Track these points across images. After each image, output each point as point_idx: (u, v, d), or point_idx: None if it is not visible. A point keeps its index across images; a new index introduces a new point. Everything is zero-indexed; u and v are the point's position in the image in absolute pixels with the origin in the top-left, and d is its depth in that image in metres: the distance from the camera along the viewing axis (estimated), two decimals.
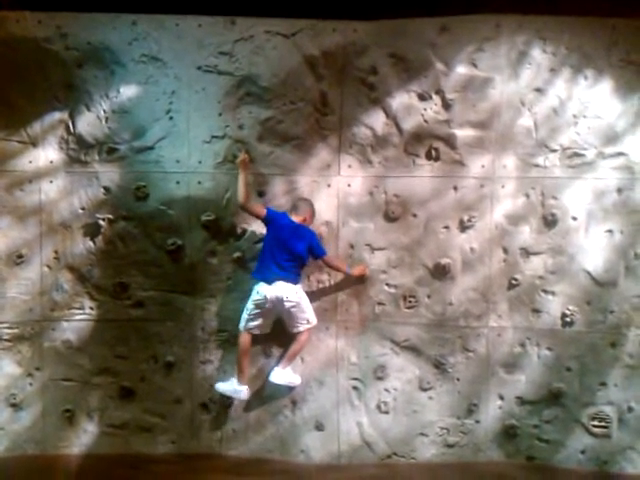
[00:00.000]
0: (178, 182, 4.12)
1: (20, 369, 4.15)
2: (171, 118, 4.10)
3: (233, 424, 4.22)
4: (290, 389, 4.14)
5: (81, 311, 4.19)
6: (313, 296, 4.17)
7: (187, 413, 4.21)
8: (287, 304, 3.89)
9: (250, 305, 3.94)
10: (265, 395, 4.20)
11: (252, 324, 3.97)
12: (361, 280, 4.18)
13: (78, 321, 4.19)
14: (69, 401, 4.17)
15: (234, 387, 4.04)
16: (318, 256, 4.00)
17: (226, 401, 4.17)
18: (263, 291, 3.88)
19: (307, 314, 4.01)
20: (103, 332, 4.18)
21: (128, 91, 4.11)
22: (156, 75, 4.09)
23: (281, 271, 3.87)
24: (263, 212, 3.92)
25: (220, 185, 4.14)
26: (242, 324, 3.99)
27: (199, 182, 4.13)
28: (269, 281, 3.88)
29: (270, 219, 3.93)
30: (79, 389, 4.17)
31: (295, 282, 3.94)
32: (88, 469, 3.99)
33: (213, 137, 4.12)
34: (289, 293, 3.89)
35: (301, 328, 4.00)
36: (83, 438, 4.19)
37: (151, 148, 4.10)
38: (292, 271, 3.92)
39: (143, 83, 4.09)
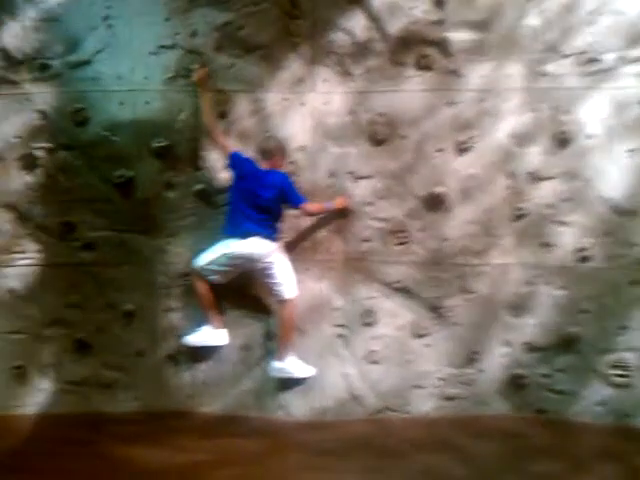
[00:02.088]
0: (122, 103, 4.13)
1: None
2: (110, 26, 4.08)
3: (204, 378, 4.29)
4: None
5: (24, 255, 4.27)
6: (288, 233, 4.24)
7: (152, 367, 4.32)
8: (260, 264, 3.99)
9: (219, 256, 3.99)
10: (239, 345, 4.28)
11: (214, 273, 4.06)
12: (343, 214, 4.24)
13: (22, 267, 4.27)
14: (19, 356, 4.27)
15: (210, 334, 4.15)
16: (294, 205, 4.06)
17: (196, 352, 4.26)
18: (235, 246, 3.96)
19: (284, 280, 4.06)
20: (52, 278, 4.28)
21: None
22: None
23: (254, 226, 3.94)
24: (229, 148, 4.01)
25: (172, 105, 4.15)
26: (200, 264, 4.06)
27: (147, 102, 4.13)
28: (242, 237, 3.94)
29: (234, 162, 4.01)
30: (29, 343, 4.28)
31: (272, 239, 4.02)
32: (44, 431, 4.04)
33: (160, 47, 4.10)
34: (264, 250, 3.97)
35: (285, 295, 4.06)
36: (37, 397, 4.28)
37: (88, 62, 4.12)
38: (266, 226, 4.00)
39: None
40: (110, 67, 4.08)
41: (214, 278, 4.04)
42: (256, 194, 3.90)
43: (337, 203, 4.12)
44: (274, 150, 4.01)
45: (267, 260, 3.94)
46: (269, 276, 4.01)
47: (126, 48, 4.06)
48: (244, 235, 3.91)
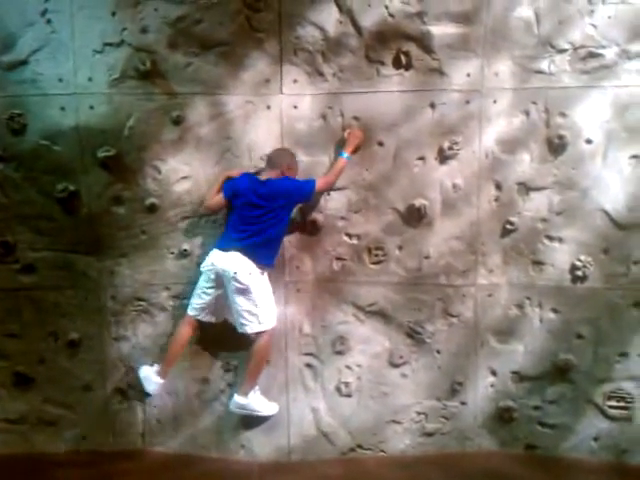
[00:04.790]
0: (63, 108, 3.76)
1: None
2: (49, 21, 3.70)
3: (158, 414, 4.07)
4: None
5: None
6: None
7: (100, 402, 4.06)
8: (234, 283, 3.57)
9: (201, 275, 3.74)
10: (196, 377, 4.02)
11: (197, 303, 3.74)
12: (314, 228, 3.89)
13: None
14: None
15: (150, 376, 3.81)
16: (308, 195, 3.70)
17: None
18: (212, 257, 3.64)
19: (258, 310, 3.64)
20: None
21: None
22: None
23: (239, 241, 3.62)
24: (221, 200, 3.75)
25: (120, 110, 3.78)
26: (190, 304, 3.81)
27: (91, 107, 3.78)
28: (224, 248, 3.63)
29: (227, 191, 3.73)
30: None
31: (257, 260, 3.62)
32: None
33: (106, 45, 3.74)
34: (240, 269, 3.56)
35: (248, 329, 3.68)
36: None
37: (25, 63, 3.74)
38: (254, 243, 3.61)
39: None
40: (50, 68, 3.71)
41: (200, 312, 3.74)
42: (252, 205, 3.59)
43: (349, 144, 3.72)
44: (283, 159, 3.70)
45: (243, 281, 3.55)
46: (243, 301, 3.61)
47: (67, 46, 3.69)
48: (226, 248, 3.60)
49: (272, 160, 3.71)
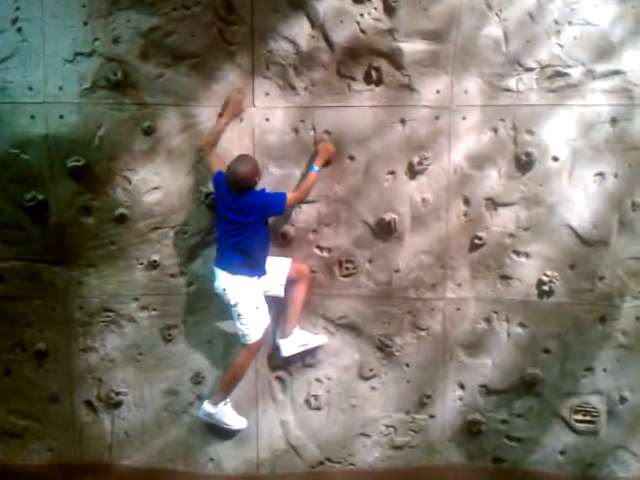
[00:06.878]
0: (33, 116, 3.71)
1: None
2: (19, 29, 3.65)
3: (125, 426, 4.02)
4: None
5: None
6: None
7: (67, 413, 4.01)
8: (228, 298, 3.57)
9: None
10: (164, 389, 3.99)
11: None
12: (286, 239, 3.86)
13: None
14: None
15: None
16: (279, 210, 3.62)
17: (115, 398, 3.97)
18: (216, 278, 3.63)
19: (248, 323, 3.60)
20: None
21: None
22: None
23: (227, 255, 3.58)
24: (214, 168, 3.64)
25: (90, 119, 3.74)
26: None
27: (61, 116, 3.73)
28: (220, 266, 3.60)
29: (215, 184, 3.64)
30: None
31: (246, 272, 3.56)
32: None
33: (77, 54, 3.69)
34: (230, 285, 3.55)
35: (240, 339, 3.68)
36: None
37: None
38: (237, 256, 3.54)
39: None
40: (20, 76, 3.65)
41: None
42: (228, 220, 3.52)
43: (320, 158, 3.68)
44: (245, 181, 3.48)
45: (229, 297, 3.54)
46: (234, 316, 3.60)
47: (38, 55, 3.63)
48: (221, 264, 3.57)
49: (239, 186, 3.47)
